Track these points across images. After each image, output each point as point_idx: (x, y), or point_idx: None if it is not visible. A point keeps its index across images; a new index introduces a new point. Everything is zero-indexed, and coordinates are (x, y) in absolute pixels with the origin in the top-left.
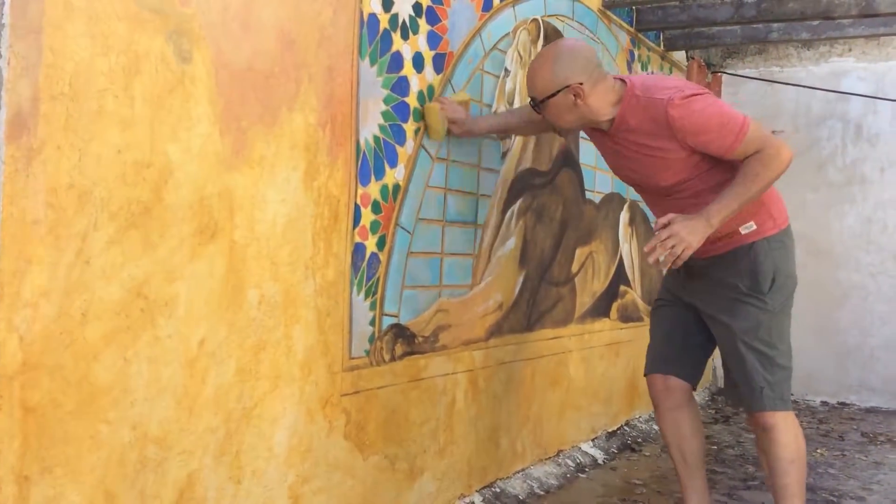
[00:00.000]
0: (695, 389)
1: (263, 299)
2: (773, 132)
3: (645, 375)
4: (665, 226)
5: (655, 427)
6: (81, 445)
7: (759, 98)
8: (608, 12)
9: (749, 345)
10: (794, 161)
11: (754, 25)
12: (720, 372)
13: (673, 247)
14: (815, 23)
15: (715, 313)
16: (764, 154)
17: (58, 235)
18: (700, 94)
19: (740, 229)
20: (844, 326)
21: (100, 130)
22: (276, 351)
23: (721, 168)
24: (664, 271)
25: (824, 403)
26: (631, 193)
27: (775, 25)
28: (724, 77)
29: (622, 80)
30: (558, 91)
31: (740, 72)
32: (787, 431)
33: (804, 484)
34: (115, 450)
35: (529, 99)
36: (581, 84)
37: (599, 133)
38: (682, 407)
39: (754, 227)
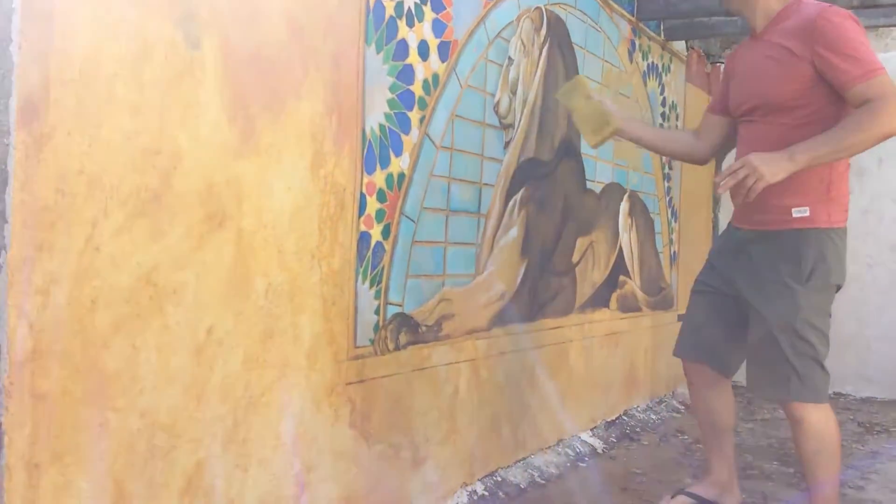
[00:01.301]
0: (729, 378)
1: (270, 288)
2: None
3: (674, 355)
4: (742, 165)
5: (654, 416)
6: (91, 433)
7: None
8: (610, 1)
9: (781, 332)
10: None
11: None
12: None
13: (746, 177)
14: None
15: (752, 296)
16: (879, 104)
17: (68, 222)
18: (857, 26)
19: (793, 211)
20: (841, 317)
21: (109, 116)
22: (283, 339)
23: (834, 111)
24: (736, 204)
25: None
26: (631, 184)
27: None
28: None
29: None
30: None
31: None
32: (815, 423)
33: (834, 476)
34: (124, 438)
35: None
36: None
37: (748, 43)
38: (712, 386)
39: (807, 213)
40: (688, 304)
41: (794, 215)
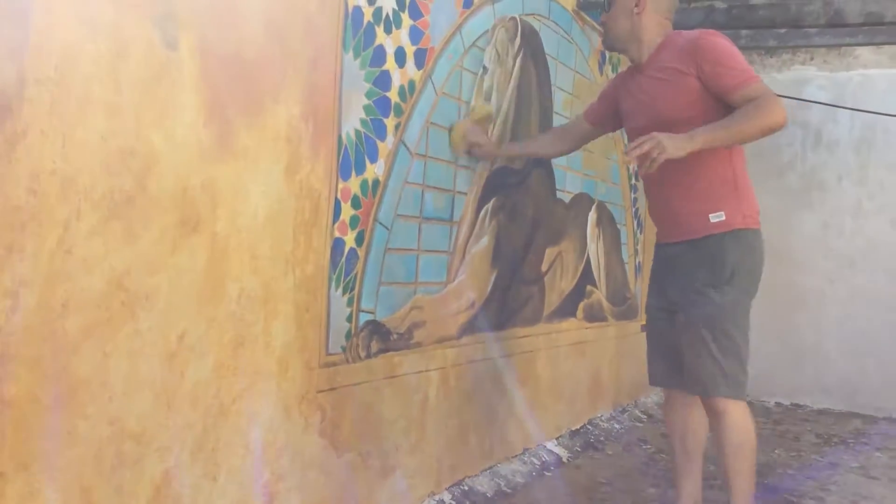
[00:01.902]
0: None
1: (243, 293)
2: None
3: (650, 384)
4: (649, 138)
5: (617, 426)
6: (59, 441)
7: None
8: (582, 13)
9: (704, 333)
10: (754, 165)
11: (723, 31)
12: None
13: (651, 149)
14: (783, 31)
15: (680, 301)
16: (763, 101)
17: (40, 223)
18: (731, 44)
19: (710, 217)
20: (800, 329)
21: (85, 116)
22: (255, 346)
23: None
24: (638, 173)
25: (778, 404)
26: (599, 194)
27: (744, 32)
28: None
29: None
30: None
31: None
32: (737, 416)
33: (752, 470)
34: (93, 445)
35: None
36: None
37: (632, 73)
38: (687, 406)
39: (723, 217)
40: (646, 331)
41: (712, 220)
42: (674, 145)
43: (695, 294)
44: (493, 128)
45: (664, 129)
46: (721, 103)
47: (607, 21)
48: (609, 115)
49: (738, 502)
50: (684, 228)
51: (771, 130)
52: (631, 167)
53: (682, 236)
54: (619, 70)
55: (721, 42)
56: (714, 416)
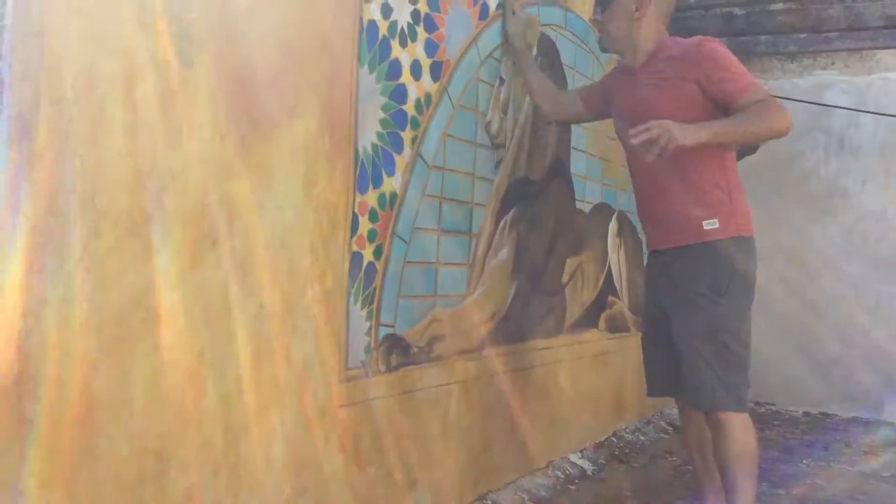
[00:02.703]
0: None
1: (262, 309)
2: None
3: (648, 395)
4: (656, 124)
5: (642, 438)
6: (79, 459)
7: None
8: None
9: (701, 345)
10: (777, 172)
11: (743, 38)
12: None
13: (658, 136)
14: (803, 36)
15: (675, 312)
16: (767, 104)
17: (59, 243)
18: (729, 51)
19: (703, 224)
20: (825, 337)
21: (101, 136)
22: (275, 361)
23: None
24: (647, 159)
25: (806, 414)
26: (619, 204)
27: (763, 38)
28: None
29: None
30: None
31: None
32: (737, 426)
33: (753, 480)
34: (113, 463)
35: None
36: (648, 1)
37: (627, 74)
38: (706, 419)
39: (717, 224)
40: (641, 342)
41: (705, 227)
42: (683, 134)
43: (690, 304)
44: (513, 140)
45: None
46: (719, 110)
47: (605, 22)
48: (602, 103)
49: None
50: (676, 235)
51: (777, 134)
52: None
53: (673, 243)
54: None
55: (721, 49)
56: (714, 428)
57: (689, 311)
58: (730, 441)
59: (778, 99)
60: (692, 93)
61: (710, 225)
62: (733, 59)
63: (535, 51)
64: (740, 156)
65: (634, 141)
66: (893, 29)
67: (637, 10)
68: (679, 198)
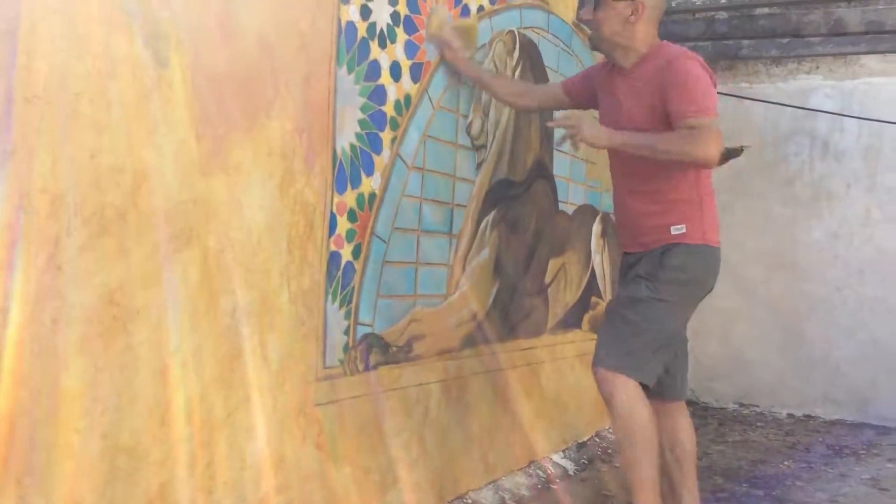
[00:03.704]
0: (681, 399)
1: (238, 307)
2: (742, 147)
3: None
4: (575, 116)
5: None
6: (50, 455)
7: (728, 113)
8: (582, 26)
9: (618, 311)
10: (763, 175)
11: (725, 42)
12: (689, 383)
13: (571, 128)
14: (785, 40)
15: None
16: (699, 132)
17: (30, 240)
18: (704, 71)
19: (671, 229)
20: (810, 339)
21: (74, 134)
22: (250, 360)
23: None
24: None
25: (790, 416)
26: (603, 205)
27: (745, 42)
28: None
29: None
30: None
31: None
32: (620, 404)
33: (636, 449)
34: (85, 459)
35: None
36: (644, 7)
37: (615, 73)
38: (674, 415)
39: (684, 230)
40: None
41: (673, 232)
42: (591, 134)
43: (631, 282)
44: (494, 141)
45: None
46: None
47: (597, 22)
48: (587, 95)
49: (634, 490)
50: (646, 240)
51: (695, 162)
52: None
53: (643, 247)
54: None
55: (692, 69)
56: (604, 397)
57: (626, 286)
58: (609, 400)
59: (711, 135)
60: (654, 107)
61: (677, 230)
62: (697, 83)
63: (468, 54)
64: (725, 159)
65: (549, 123)
66: (875, 34)
67: (632, 14)
68: (651, 204)
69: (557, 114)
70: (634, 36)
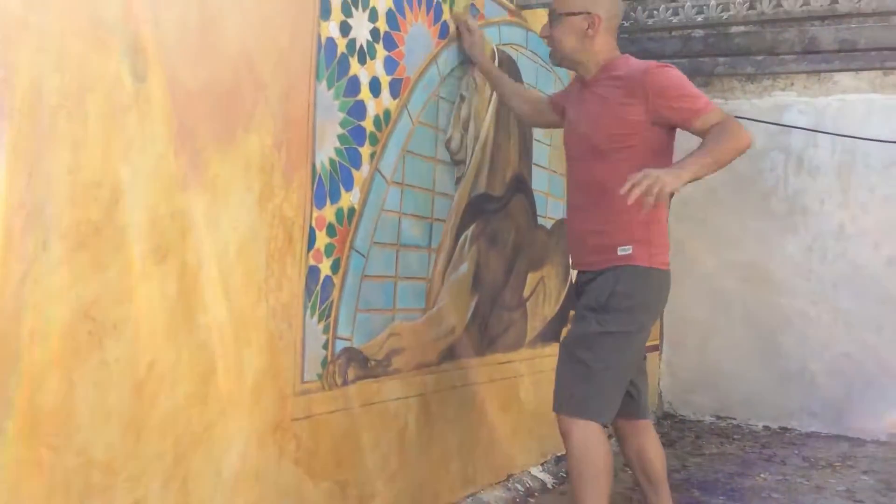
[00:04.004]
0: (645, 418)
1: (214, 322)
2: None
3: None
4: (647, 174)
5: None
6: (24, 471)
7: None
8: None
9: (570, 350)
10: (738, 190)
11: (701, 59)
12: (666, 396)
13: (650, 185)
14: (760, 58)
15: (572, 323)
16: (727, 124)
17: (5, 256)
18: (681, 73)
19: (618, 250)
20: (785, 352)
21: (51, 149)
22: (227, 375)
23: (656, 155)
24: (646, 206)
25: (766, 428)
26: None
27: (721, 59)
28: None
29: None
30: (579, 13)
31: None
32: (576, 442)
33: (596, 495)
34: (59, 476)
35: (549, 11)
36: (600, 19)
37: (581, 86)
38: (642, 434)
39: (630, 251)
40: None
41: (619, 253)
42: (671, 179)
43: (579, 316)
44: (473, 156)
45: (599, 148)
46: (659, 133)
47: (556, 38)
48: (561, 111)
49: None
50: (593, 259)
51: (741, 152)
52: (630, 199)
53: (590, 266)
54: None
55: (671, 74)
56: (561, 435)
57: (576, 321)
58: (570, 457)
59: (733, 121)
60: (634, 118)
61: (623, 251)
62: (686, 83)
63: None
64: None
65: (630, 200)
66: (847, 52)
67: (589, 27)
68: (600, 223)
69: (625, 185)
70: (593, 49)
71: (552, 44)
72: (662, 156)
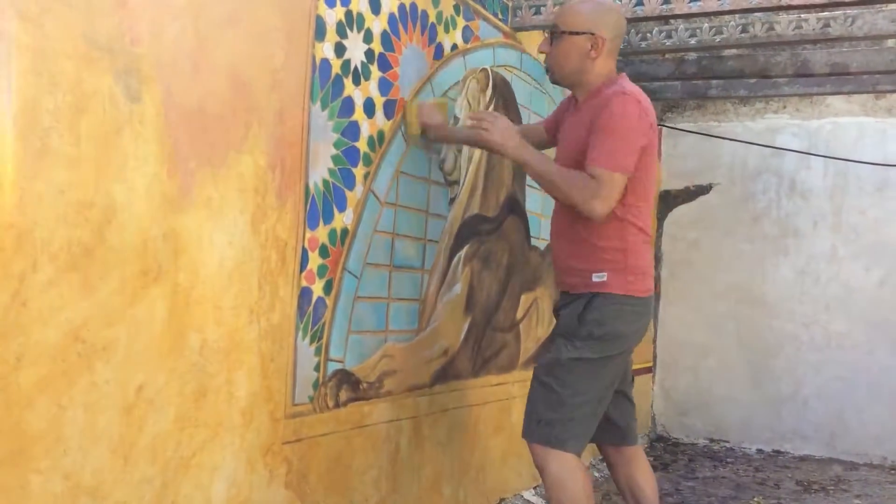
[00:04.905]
0: (632, 444)
1: (206, 344)
2: (711, 185)
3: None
4: (495, 117)
5: (596, 475)
6: (10, 496)
7: (697, 151)
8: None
9: (540, 377)
10: (731, 212)
11: (694, 81)
12: (660, 419)
13: (485, 129)
14: (753, 81)
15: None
16: (592, 183)
17: None
18: (634, 121)
19: (593, 276)
20: (778, 375)
21: (43, 169)
22: (218, 397)
23: (629, 184)
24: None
25: (759, 451)
26: None
27: (714, 82)
28: (664, 130)
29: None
30: (583, 33)
31: (679, 125)
32: (553, 472)
33: None
34: (46, 501)
35: (551, 27)
36: (604, 41)
37: (573, 106)
38: (632, 461)
39: (605, 278)
40: None
41: (594, 280)
42: (496, 140)
43: (552, 341)
44: (467, 177)
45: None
46: (640, 165)
47: (555, 57)
48: (555, 131)
49: None
50: (571, 281)
51: (574, 207)
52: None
53: (569, 288)
54: None
55: (618, 115)
56: (536, 466)
57: (550, 346)
58: (547, 487)
59: (604, 190)
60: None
61: (598, 277)
62: (615, 130)
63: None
64: (695, 195)
65: (468, 118)
66: (839, 75)
67: (592, 48)
68: (577, 251)
69: (476, 114)
70: (594, 70)
71: (551, 61)
72: (636, 186)
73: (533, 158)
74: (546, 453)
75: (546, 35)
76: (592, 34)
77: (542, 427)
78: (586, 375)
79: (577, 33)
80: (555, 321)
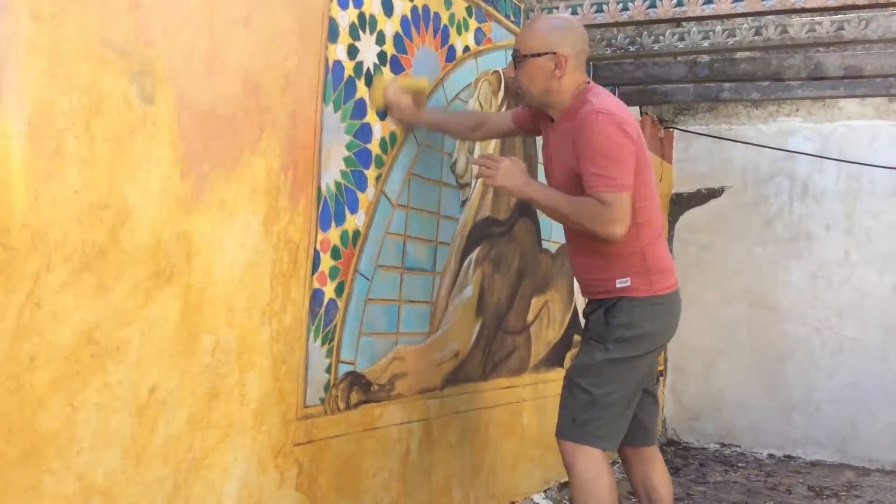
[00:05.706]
0: (652, 444)
1: (218, 345)
2: (723, 188)
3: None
4: (497, 161)
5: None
6: (23, 497)
7: (709, 154)
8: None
9: (574, 380)
10: (743, 216)
11: (706, 84)
12: (671, 423)
13: (488, 177)
14: (765, 83)
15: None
16: (604, 210)
17: (9, 276)
18: (617, 136)
19: (616, 282)
20: (790, 380)
21: (57, 170)
22: (229, 399)
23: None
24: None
25: (771, 456)
26: None
27: (727, 85)
28: (676, 133)
29: (587, 82)
30: (545, 53)
31: (691, 128)
32: (581, 472)
33: None
34: (59, 501)
35: (513, 52)
36: (566, 58)
37: (548, 125)
38: (649, 461)
39: (629, 283)
40: None
41: (618, 286)
42: (502, 184)
43: (584, 343)
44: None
45: (573, 193)
46: (635, 170)
47: (521, 81)
48: (532, 129)
49: None
50: (594, 290)
51: (594, 236)
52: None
53: (594, 296)
54: None
55: (600, 138)
56: (565, 463)
57: (580, 350)
58: (573, 487)
59: (617, 213)
60: (574, 167)
61: (622, 283)
62: (602, 150)
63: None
64: (707, 198)
65: (472, 161)
66: (853, 79)
67: (556, 68)
68: (594, 263)
69: (479, 158)
70: (562, 89)
71: (519, 86)
72: (638, 190)
73: (540, 195)
74: (576, 451)
75: (510, 61)
76: (554, 53)
77: (576, 426)
78: (619, 374)
79: (539, 55)
80: (576, 322)
